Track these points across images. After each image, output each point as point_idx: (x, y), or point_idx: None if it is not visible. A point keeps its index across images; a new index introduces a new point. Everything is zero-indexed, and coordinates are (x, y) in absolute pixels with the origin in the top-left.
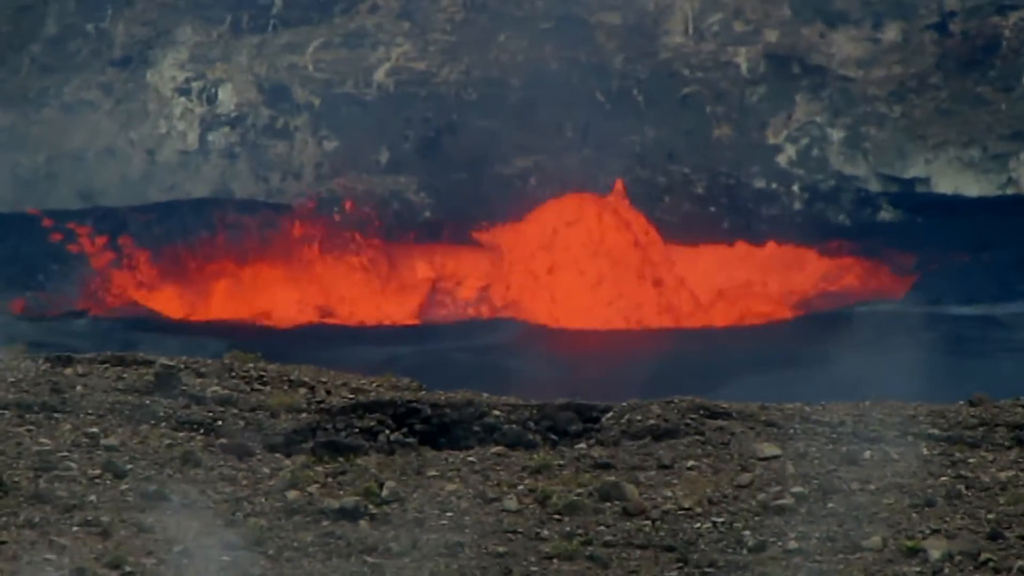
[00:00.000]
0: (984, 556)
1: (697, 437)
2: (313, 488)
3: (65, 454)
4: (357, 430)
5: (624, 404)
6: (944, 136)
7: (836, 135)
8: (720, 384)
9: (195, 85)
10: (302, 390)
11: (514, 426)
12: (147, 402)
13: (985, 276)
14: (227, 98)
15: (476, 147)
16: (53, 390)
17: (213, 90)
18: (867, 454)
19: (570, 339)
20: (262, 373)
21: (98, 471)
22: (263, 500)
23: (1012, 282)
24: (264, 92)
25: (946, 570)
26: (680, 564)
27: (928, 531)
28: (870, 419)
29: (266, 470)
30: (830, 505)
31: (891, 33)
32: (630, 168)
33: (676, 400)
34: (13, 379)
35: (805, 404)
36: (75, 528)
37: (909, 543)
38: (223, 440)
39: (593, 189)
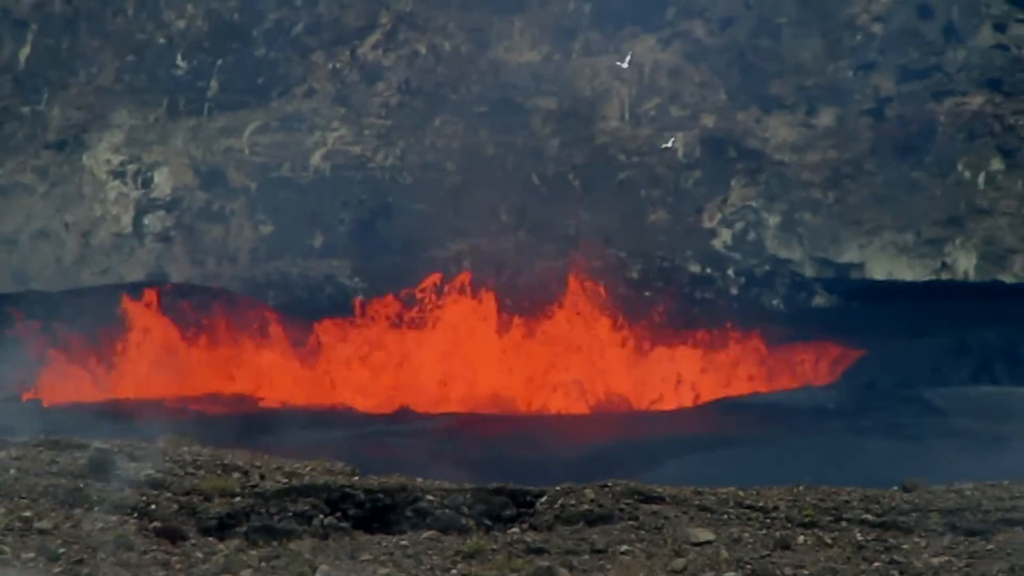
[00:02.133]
0: None
1: (631, 522)
2: (247, 572)
3: None
4: (291, 514)
5: (558, 488)
6: (879, 221)
7: (771, 220)
8: (653, 466)
9: (130, 168)
10: (236, 474)
11: (447, 510)
12: (81, 486)
13: (920, 361)
14: (163, 181)
15: (411, 231)
16: None
17: (149, 173)
18: (801, 539)
19: (506, 422)
20: (196, 457)
21: (31, 554)
22: None
23: (947, 368)
24: (200, 175)
25: None
26: None
27: None
28: (804, 504)
29: (199, 554)
30: None
31: (826, 118)
32: (565, 252)
33: (610, 484)
34: None
35: (739, 488)
36: None
37: None
38: (157, 524)
39: (529, 272)
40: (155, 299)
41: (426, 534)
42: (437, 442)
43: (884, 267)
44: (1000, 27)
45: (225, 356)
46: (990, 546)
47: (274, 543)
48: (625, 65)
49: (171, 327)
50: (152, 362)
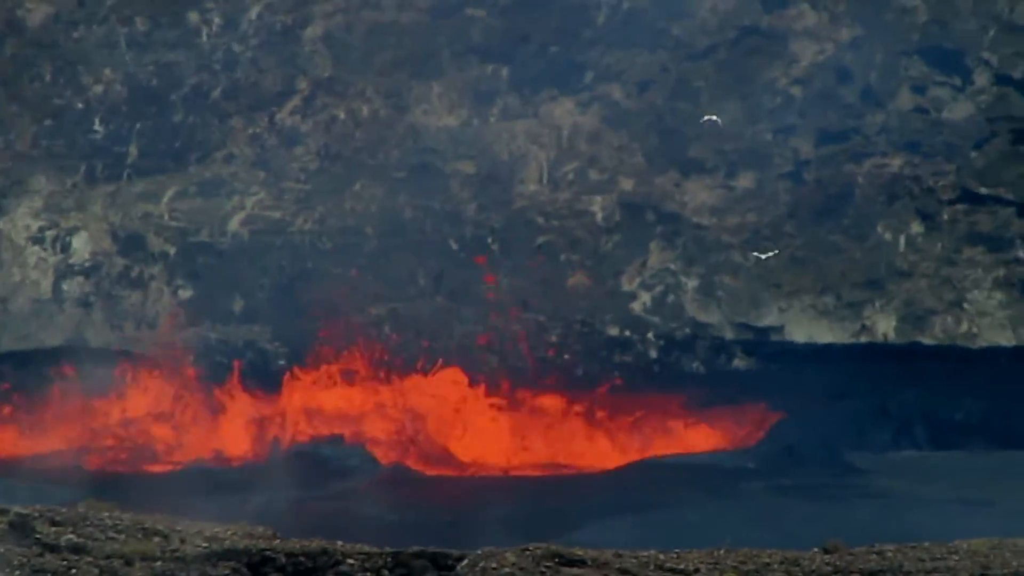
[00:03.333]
0: None
1: None
2: None
3: None
4: None
5: (479, 552)
6: (798, 284)
7: (690, 283)
8: (573, 530)
9: (49, 234)
10: (156, 538)
11: (368, 574)
12: (1, 551)
13: (840, 423)
14: (81, 247)
15: (330, 295)
16: None
17: (67, 239)
18: None
19: (426, 484)
20: (117, 521)
21: None
22: None
23: (868, 430)
24: (119, 241)
25: None
26: None
27: None
28: (724, 567)
29: None
30: None
31: (745, 181)
32: (483, 317)
33: (531, 548)
34: None
35: (660, 552)
36: None
37: None
38: None
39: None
40: (74, 366)
41: None
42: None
43: (804, 330)
44: (919, 89)
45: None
46: None
47: None
48: (717, 120)
49: (89, 394)
50: (70, 426)
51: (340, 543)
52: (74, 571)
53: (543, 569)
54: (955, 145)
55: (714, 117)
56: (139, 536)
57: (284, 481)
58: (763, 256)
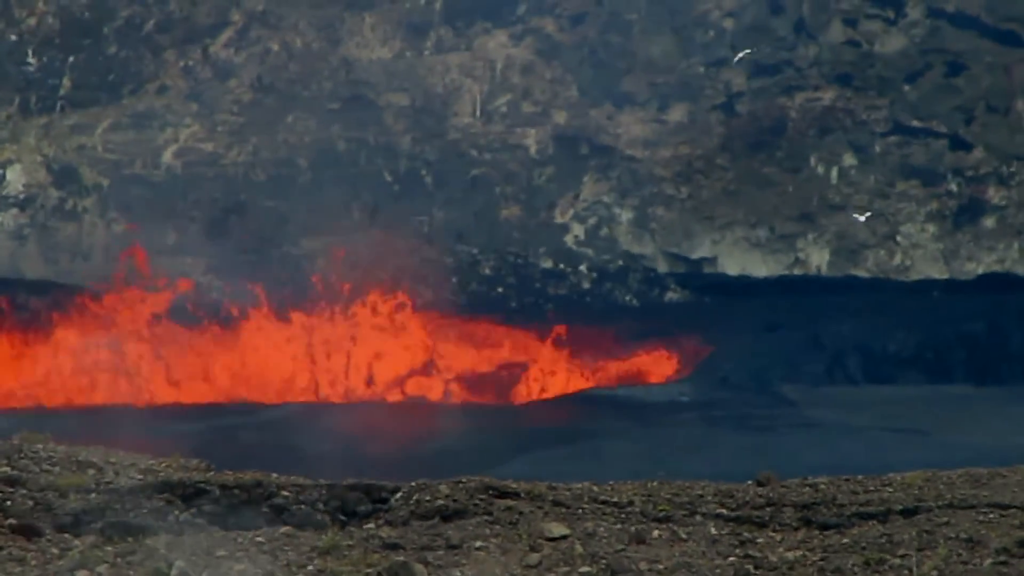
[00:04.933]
0: None
1: (486, 517)
2: (103, 568)
3: None
4: (146, 510)
5: (412, 484)
6: (731, 217)
7: (624, 215)
8: (506, 461)
9: None
10: (91, 471)
11: (303, 507)
12: None
13: (774, 356)
14: (15, 179)
15: (264, 228)
16: None
17: (1, 171)
18: (656, 533)
19: (357, 414)
20: (51, 454)
21: None
22: None
23: (801, 362)
24: (53, 173)
25: None
26: None
27: None
28: (658, 499)
29: (55, 550)
30: None
31: (677, 114)
32: (417, 249)
33: (464, 480)
34: None
35: (593, 484)
36: None
37: None
38: (12, 521)
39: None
40: (8, 298)
41: (282, 530)
42: (285, 435)
43: (737, 262)
44: (851, 22)
45: (76, 355)
46: (845, 540)
47: (130, 539)
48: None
49: (22, 326)
50: (3, 359)
51: (274, 475)
52: (8, 503)
53: (476, 501)
54: (888, 78)
55: (746, 52)
56: (73, 469)
57: (219, 410)
58: (861, 218)
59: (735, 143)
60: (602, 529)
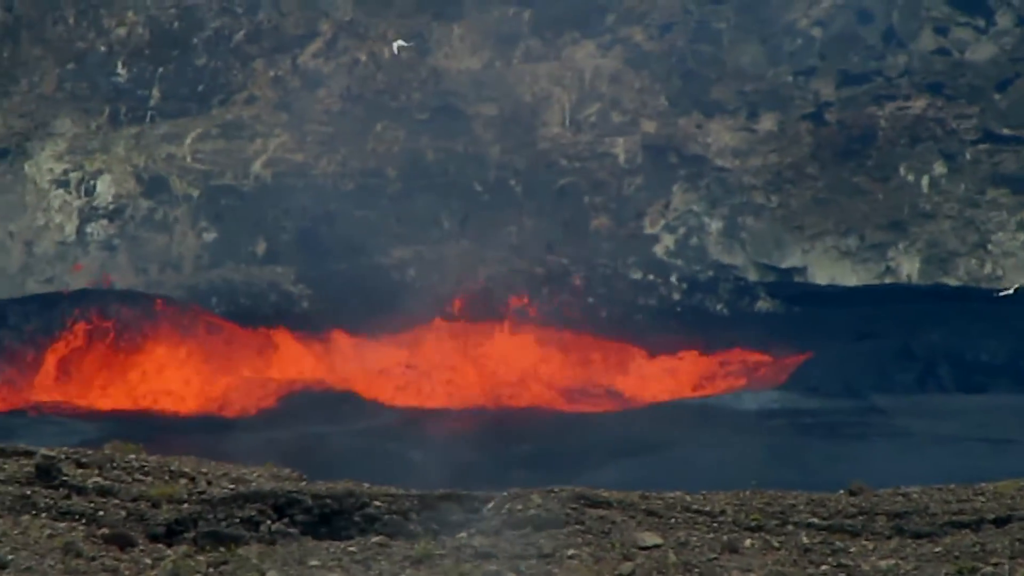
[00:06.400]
0: None
1: (578, 526)
2: None
3: None
4: (238, 520)
5: (505, 494)
6: (821, 226)
7: (713, 225)
8: (598, 467)
9: (73, 177)
10: (183, 480)
11: (395, 516)
12: (28, 493)
13: (864, 365)
14: (105, 190)
15: (353, 237)
16: None
17: (91, 182)
18: (748, 543)
19: (451, 422)
20: (143, 464)
21: None
22: None
23: (892, 371)
24: (143, 183)
25: None
26: None
27: None
28: (750, 508)
29: (148, 560)
30: None
31: (767, 123)
32: (508, 259)
33: (557, 490)
34: None
35: (686, 493)
36: None
37: None
38: (105, 530)
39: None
40: (99, 308)
41: (374, 539)
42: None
43: (827, 271)
44: (941, 30)
45: (167, 364)
46: (937, 549)
47: (222, 549)
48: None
49: (114, 335)
50: (96, 368)
51: (366, 485)
52: (101, 513)
53: (569, 510)
54: (978, 86)
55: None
56: (165, 478)
57: (306, 417)
58: (1011, 291)
59: (825, 152)
60: (695, 538)
